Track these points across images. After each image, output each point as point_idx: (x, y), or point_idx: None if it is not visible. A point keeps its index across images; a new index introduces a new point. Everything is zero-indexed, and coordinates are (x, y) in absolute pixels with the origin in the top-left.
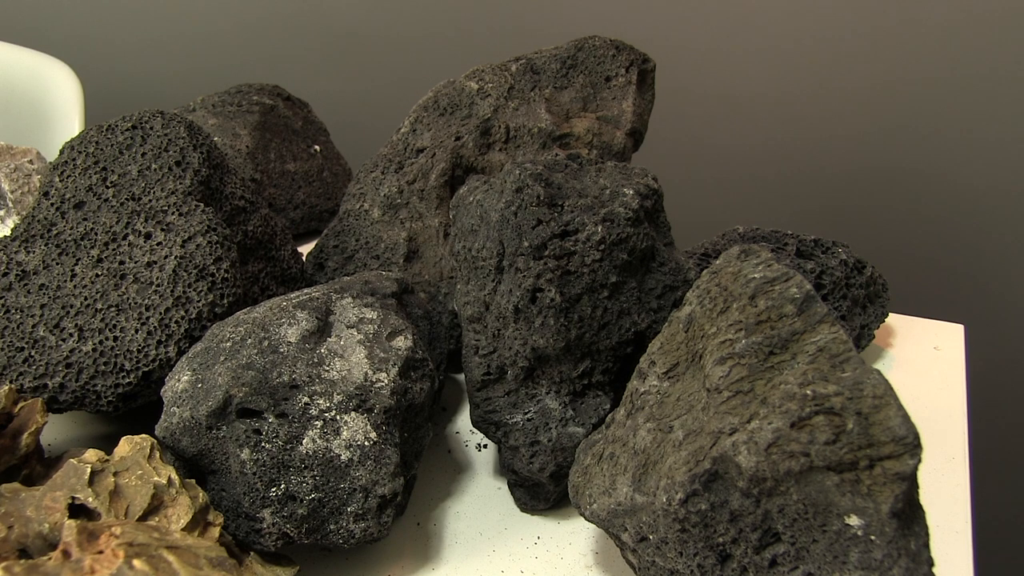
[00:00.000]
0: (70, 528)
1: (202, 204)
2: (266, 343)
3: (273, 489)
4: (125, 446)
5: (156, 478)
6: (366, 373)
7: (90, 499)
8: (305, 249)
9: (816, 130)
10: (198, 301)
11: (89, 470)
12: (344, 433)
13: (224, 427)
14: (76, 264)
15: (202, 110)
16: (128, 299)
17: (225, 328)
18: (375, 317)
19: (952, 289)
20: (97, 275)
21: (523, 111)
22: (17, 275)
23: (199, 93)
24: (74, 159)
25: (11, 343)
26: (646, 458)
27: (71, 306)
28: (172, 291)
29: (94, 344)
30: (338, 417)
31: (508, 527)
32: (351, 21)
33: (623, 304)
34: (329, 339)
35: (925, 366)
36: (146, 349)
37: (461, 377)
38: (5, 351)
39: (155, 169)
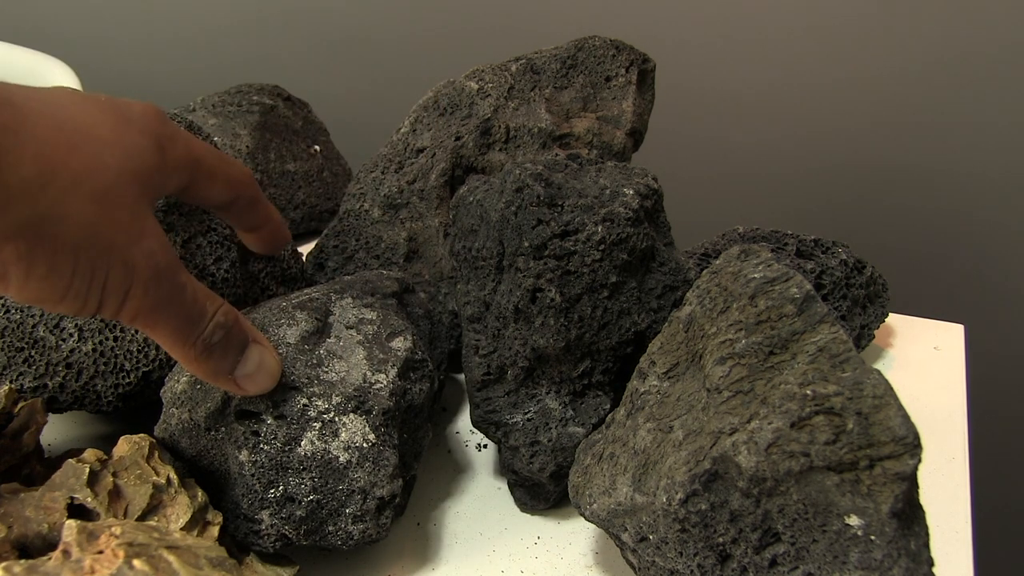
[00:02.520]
0: (70, 528)
1: None
2: None
3: (271, 490)
4: (124, 446)
5: (155, 478)
6: (365, 374)
7: (89, 499)
8: (305, 249)
9: (816, 130)
10: None
11: (88, 470)
12: (342, 435)
13: (223, 428)
14: None
15: (202, 110)
16: None
17: None
18: (375, 318)
19: (952, 289)
20: None
21: (523, 111)
22: None
23: (199, 93)
24: None
25: (11, 343)
26: (646, 458)
27: None
28: None
29: (94, 344)
30: (337, 419)
31: (508, 527)
32: (351, 21)
33: (623, 304)
34: (328, 340)
35: (925, 366)
36: (146, 349)
37: (461, 377)
38: (5, 351)
39: None
